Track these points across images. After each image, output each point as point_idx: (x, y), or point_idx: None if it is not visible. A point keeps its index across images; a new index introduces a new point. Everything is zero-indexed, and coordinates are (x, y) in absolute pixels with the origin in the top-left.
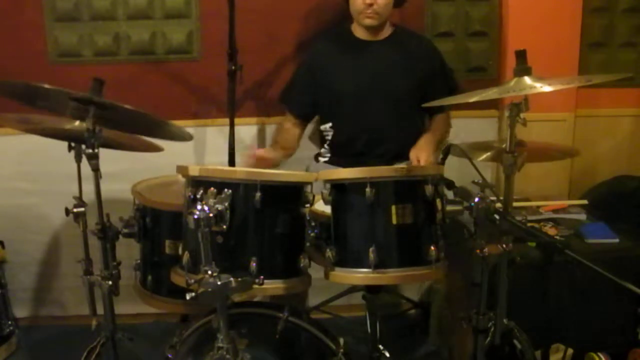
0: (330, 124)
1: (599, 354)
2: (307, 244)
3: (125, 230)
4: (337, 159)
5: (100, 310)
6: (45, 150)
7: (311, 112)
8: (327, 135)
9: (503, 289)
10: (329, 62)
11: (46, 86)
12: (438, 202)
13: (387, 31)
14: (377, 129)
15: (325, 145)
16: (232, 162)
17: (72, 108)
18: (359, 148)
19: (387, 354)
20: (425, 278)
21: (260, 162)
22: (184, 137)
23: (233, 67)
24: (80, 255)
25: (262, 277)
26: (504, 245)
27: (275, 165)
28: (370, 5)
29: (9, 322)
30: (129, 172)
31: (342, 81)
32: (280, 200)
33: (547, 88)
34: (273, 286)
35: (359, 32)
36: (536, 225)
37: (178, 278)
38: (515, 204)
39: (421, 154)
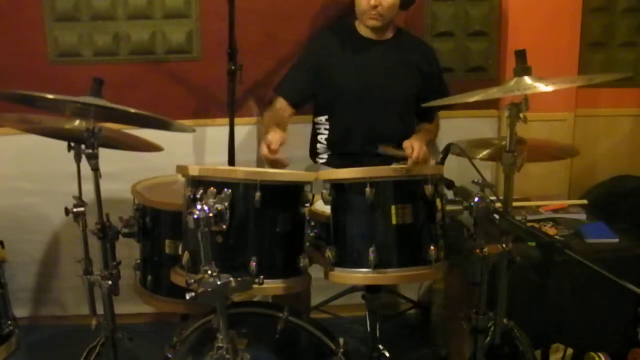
0: (326, 117)
1: (599, 354)
2: (307, 244)
3: (125, 230)
4: (335, 160)
5: (100, 310)
6: (45, 150)
7: (303, 99)
8: (320, 128)
9: (503, 289)
10: (331, 56)
11: (49, 96)
12: (438, 202)
13: (390, 32)
14: (374, 128)
15: (323, 140)
16: (232, 162)
17: (73, 108)
18: (356, 147)
19: (387, 354)
20: (425, 278)
21: (272, 153)
22: (187, 130)
23: (233, 67)
24: (80, 255)
25: (262, 277)
26: (504, 245)
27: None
28: (375, 7)
29: (9, 322)
30: (129, 172)
31: (343, 77)
32: (280, 200)
33: (549, 88)
34: (273, 286)
35: (363, 31)
36: (536, 225)
37: (178, 278)
38: (515, 204)
39: (415, 143)
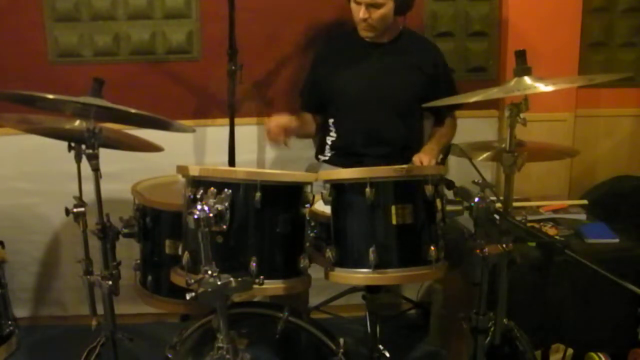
0: (333, 120)
1: (599, 354)
2: (307, 244)
3: (125, 230)
4: (338, 159)
5: (100, 310)
6: (45, 150)
7: (318, 108)
8: (330, 131)
9: (503, 289)
10: (332, 61)
11: (49, 96)
12: (438, 202)
13: (392, 34)
14: (376, 130)
15: (330, 142)
16: (232, 162)
17: (73, 108)
18: (358, 148)
19: (387, 354)
20: (425, 278)
21: (276, 128)
22: (187, 130)
23: (233, 67)
24: (80, 255)
25: (262, 277)
26: (504, 245)
27: (292, 133)
28: (365, 19)
29: (9, 322)
30: (129, 172)
31: (343, 82)
32: (280, 200)
33: (549, 88)
34: (273, 286)
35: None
36: (536, 225)
37: (178, 278)
38: (515, 204)
39: (424, 158)
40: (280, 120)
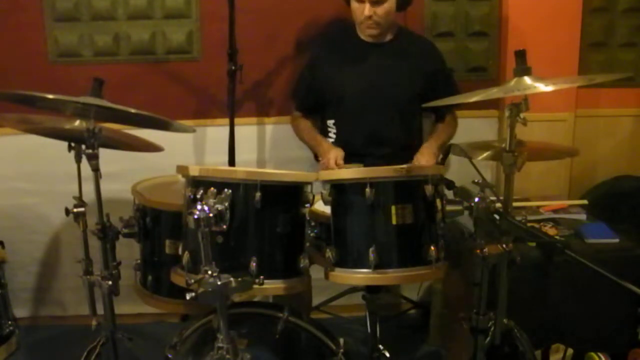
0: (333, 121)
1: (599, 354)
2: (307, 244)
3: (125, 230)
4: None
5: (100, 310)
6: (45, 150)
7: (314, 108)
8: (330, 132)
9: (503, 289)
10: (330, 62)
11: (49, 96)
12: (438, 202)
13: (390, 34)
14: (376, 130)
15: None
16: (232, 162)
17: (73, 108)
18: (358, 149)
19: (387, 354)
20: (425, 278)
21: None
22: (187, 130)
23: (233, 67)
24: (80, 255)
25: (262, 277)
26: (504, 245)
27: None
28: (370, 17)
29: (9, 322)
30: (129, 172)
31: (342, 83)
32: (280, 200)
33: (549, 88)
34: (273, 286)
35: (362, 34)
36: (536, 225)
37: (178, 278)
38: (515, 204)
39: (422, 159)
40: (340, 159)
